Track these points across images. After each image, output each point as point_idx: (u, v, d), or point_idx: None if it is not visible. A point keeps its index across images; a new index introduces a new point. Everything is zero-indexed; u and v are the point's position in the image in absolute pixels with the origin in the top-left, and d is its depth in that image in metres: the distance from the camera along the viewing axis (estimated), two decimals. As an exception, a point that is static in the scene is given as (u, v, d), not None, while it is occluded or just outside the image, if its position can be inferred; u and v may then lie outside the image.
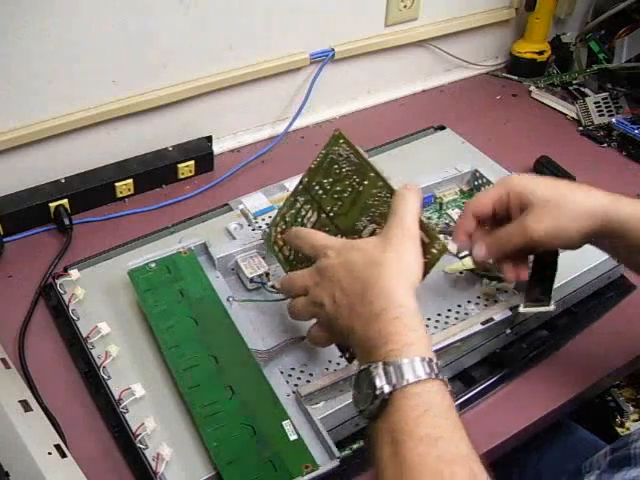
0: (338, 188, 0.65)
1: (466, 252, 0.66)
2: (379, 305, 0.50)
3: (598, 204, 0.57)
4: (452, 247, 0.63)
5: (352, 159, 0.64)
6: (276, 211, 0.77)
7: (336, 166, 0.65)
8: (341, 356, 0.62)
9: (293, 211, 0.68)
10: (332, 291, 0.54)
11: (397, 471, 0.43)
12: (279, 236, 0.68)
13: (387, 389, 0.45)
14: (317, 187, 0.67)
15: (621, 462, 0.51)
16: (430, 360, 0.47)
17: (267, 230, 0.71)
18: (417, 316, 0.50)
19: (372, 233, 0.61)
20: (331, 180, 0.65)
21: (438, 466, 0.42)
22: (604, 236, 0.58)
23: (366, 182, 0.62)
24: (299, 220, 0.68)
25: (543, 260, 0.63)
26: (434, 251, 0.55)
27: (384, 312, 0.49)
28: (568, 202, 0.57)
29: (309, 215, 0.67)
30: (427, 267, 0.55)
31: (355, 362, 0.59)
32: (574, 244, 0.59)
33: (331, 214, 0.65)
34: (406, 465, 0.43)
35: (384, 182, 0.61)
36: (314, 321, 0.59)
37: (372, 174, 0.62)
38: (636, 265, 0.62)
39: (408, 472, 0.42)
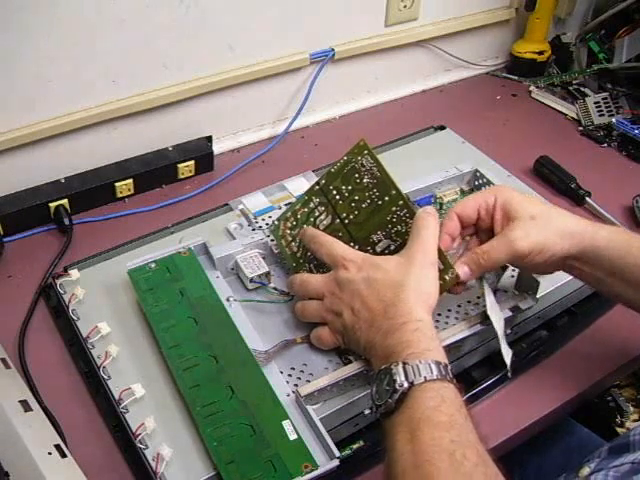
0: (356, 197, 0.66)
1: None
2: (400, 320, 0.54)
3: (581, 226, 0.59)
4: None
5: (374, 172, 0.66)
6: (276, 211, 0.77)
7: (357, 175, 0.67)
8: (340, 357, 0.63)
9: (306, 210, 0.69)
10: (352, 304, 0.58)
11: (413, 453, 0.46)
12: (288, 231, 0.69)
13: (406, 384, 0.49)
14: (334, 191, 0.68)
15: (620, 449, 0.52)
16: (445, 365, 0.51)
17: (276, 222, 0.71)
18: (433, 330, 0.55)
19: (386, 248, 0.64)
20: (350, 188, 0.67)
21: (451, 447, 0.46)
22: (582, 259, 0.59)
23: (386, 198, 0.64)
24: (311, 220, 0.68)
25: None
26: (447, 277, 0.59)
27: (404, 325, 0.54)
28: (553, 220, 0.59)
29: (322, 217, 0.68)
30: (439, 291, 0.58)
31: (353, 364, 0.60)
32: (553, 264, 0.60)
33: (346, 221, 0.66)
34: (422, 447, 0.46)
35: (405, 202, 0.63)
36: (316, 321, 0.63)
37: (394, 192, 0.64)
38: (611, 291, 0.62)
39: (423, 452, 0.46)
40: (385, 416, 0.50)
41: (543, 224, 0.59)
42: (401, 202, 0.64)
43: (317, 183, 0.69)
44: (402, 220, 0.63)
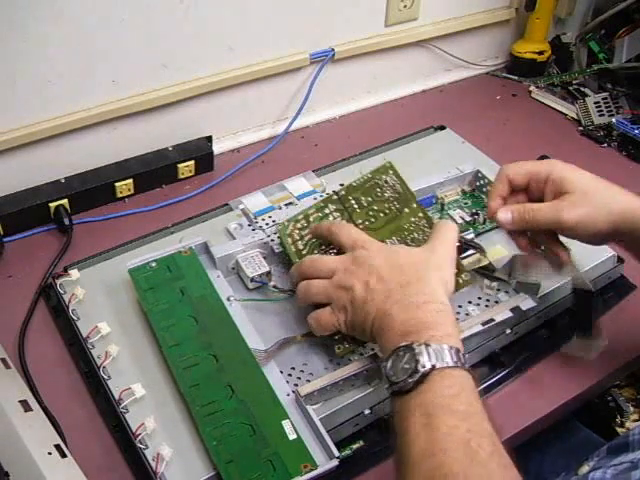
0: (375, 207, 0.68)
1: (468, 253, 0.68)
2: (422, 298, 0.54)
3: (629, 205, 0.59)
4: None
5: (397, 188, 0.68)
6: (276, 211, 0.77)
7: (379, 189, 0.69)
8: (334, 343, 0.62)
9: (320, 214, 0.70)
10: (366, 279, 0.57)
11: (428, 440, 0.46)
12: (297, 231, 0.69)
13: (428, 366, 0.48)
14: (353, 201, 0.69)
15: (619, 448, 0.52)
16: (464, 354, 0.51)
17: (285, 223, 0.70)
18: (454, 316, 0.54)
19: None
20: (370, 199, 0.69)
21: (467, 436, 0.45)
22: (630, 235, 0.60)
23: (406, 210, 0.67)
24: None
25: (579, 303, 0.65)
26: (459, 280, 0.60)
27: (427, 304, 0.53)
28: (604, 197, 0.59)
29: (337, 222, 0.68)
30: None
31: (353, 364, 0.60)
32: (598, 239, 0.61)
33: (360, 227, 0.67)
34: (437, 435, 0.46)
35: (424, 214, 0.66)
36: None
37: (415, 205, 0.67)
38: None
39: (439, 440, 0.45)
40: (397, 394, 0.50)
41: (594, 201, 0.59)
42: (421, 214, 0.66)
43: (335, 193, 0.70)
44: (420, 228, 0.65)
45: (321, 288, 0.60)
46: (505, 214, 0.61)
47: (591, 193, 0.59)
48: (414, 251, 0.59)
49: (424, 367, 0.48)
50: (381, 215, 0.67)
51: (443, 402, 0.47)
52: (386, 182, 0.69)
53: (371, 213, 0.67)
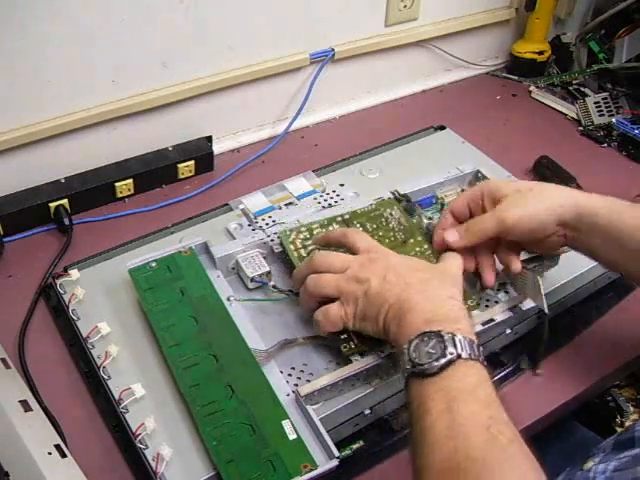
0: (380, 234, 0.69)
1: None
2: (445, 293, 0.56)
3: (568, 195, 0.61)
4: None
5: (402, 221, 0.70)
6: (276, 211, 0.77)
7: (384, 219, 0.70)
8: (340, 342, 0.61)
9: (324, 230, 0.70)
10: (383, 273, 0.58)
11: (448, 424, 0.46)
12: (299, 240, 0.69)
13: (455, 354, 0.50)
14: (358, 225, 0.70)
15: (625, 444, 0.52)
16: (482, 352, 0.52)
17: (287, 232, 0.70)
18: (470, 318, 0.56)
19: None
20: (375, 226, 0.70)
21: (488, 422, 0.46)
22: (578, 227, 0.60)
23: (412, 240, 0.68)
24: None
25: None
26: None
27: (450, 299, 0.55)
28: (539, 191, 0.61)
29: None
30: None
31: (353, 364, 0.60)
32: (547, 233, 0.61)
33: None
34: (458, 418, 0.46)
35: (430, 245, 0.67)
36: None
37: (420, 237, 0.68)
38: (614, 263, 0.63)
39: (460, 425, 0.46)
40: (416, 377, 0.50)
41: (528, 196, 0.61)
42: (426, 245, 0.67)
43: (340, 215, 0.71)
44: (425, 257, 0.66)
45: (332, 281, 0.59)
46: (452, 234, 0.62)
47: (524, 189, 0.61)
48: (428, 263, 0.62)
49: (452, 354, 0.49)
50: (386, 241, 0.68)
51: (466, 388, 0.48)
52: (391, 214, 0.71)
53: (375, 238, 0.67)
